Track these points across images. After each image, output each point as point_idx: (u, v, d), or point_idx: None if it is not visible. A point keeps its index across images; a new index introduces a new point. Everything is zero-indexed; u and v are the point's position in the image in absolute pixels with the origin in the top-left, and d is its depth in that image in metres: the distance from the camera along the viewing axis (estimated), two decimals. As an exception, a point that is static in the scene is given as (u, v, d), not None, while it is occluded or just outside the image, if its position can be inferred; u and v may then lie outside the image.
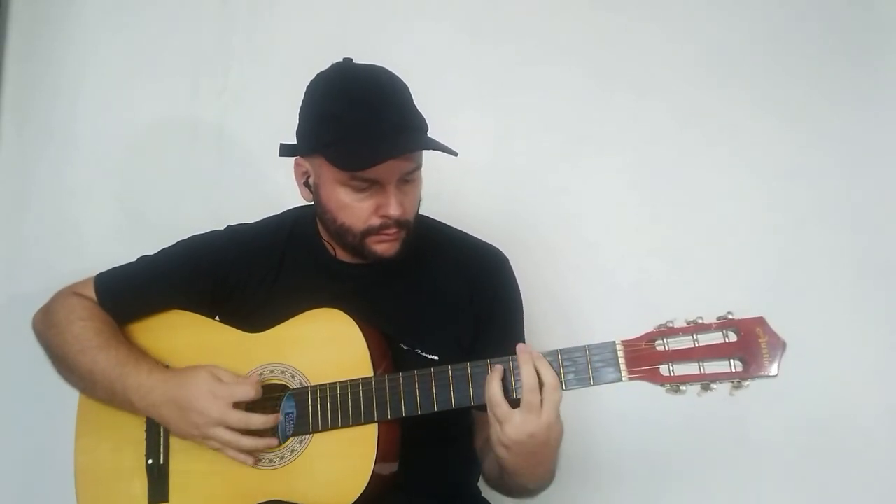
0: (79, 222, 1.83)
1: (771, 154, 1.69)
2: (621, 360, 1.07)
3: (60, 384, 1.34)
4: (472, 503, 1.36)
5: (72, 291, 1.36)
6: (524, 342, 1.18)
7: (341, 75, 1.22)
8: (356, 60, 1.25)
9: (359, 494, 1.13)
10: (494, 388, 1.09)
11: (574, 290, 1.72)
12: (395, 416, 1.16)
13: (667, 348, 1.06)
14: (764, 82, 1.70)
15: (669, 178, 1.72)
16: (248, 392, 1.19)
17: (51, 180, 1.85)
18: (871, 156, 1.67)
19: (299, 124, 1.26)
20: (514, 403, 1.08)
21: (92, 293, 1.34)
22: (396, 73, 1.23)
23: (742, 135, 1.70)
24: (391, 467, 1.19)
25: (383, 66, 1.23)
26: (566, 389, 1.08)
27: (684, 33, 1.74)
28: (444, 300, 1.31)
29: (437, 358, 1.24)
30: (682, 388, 1.05)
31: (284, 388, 1.25)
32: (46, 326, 1.34)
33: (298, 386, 1.23)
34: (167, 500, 1.26)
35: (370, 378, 1.18)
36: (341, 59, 1.25)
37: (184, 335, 1.33)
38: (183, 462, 1.26)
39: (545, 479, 1.20)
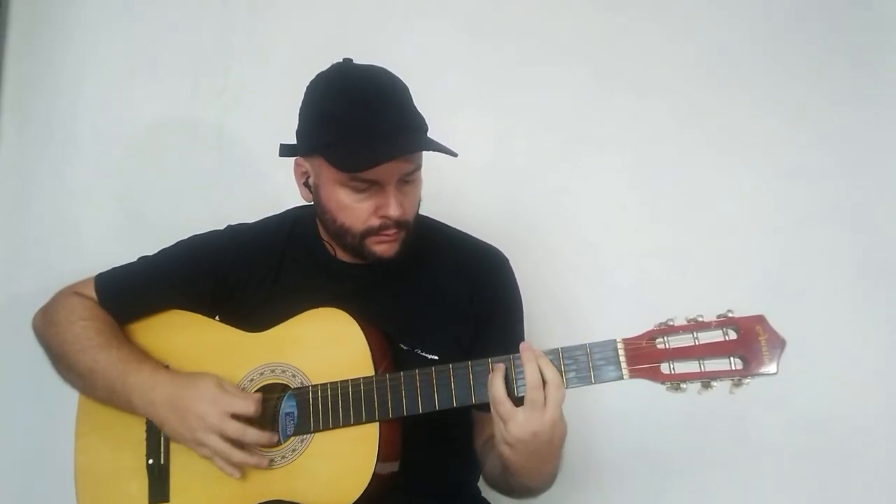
0: (79, 222, 1.83)
1: (771, 154, 1.69)
2: (622, 358, 1.07)
3: (60, 384, 1.34)
4: (472, 503, 1.36)
5: (72, 291, 1.36)
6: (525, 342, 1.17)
7: (341, 76, 1.22)
8: (356, 60, 1.25)
9: (360, 494, 1.13)
10: (498, 386, 1.09)
11: (574, 290, 1.72)
12: (397, 415, 1.16)
13: (667, 346, 1.06)
14: (764, 82, 1.71)
15: (669, 178, 1.72)
16: (248, 407, 1.18)
17: (51, 180, 1.85)
18: (871, 156, 1.67)
19: (299, 125, 1.26)
20: (517, 402, 1.08)
21: (92, 293, 1.34)
22: (396, 73, 1.23)
23: (742, 135, 1.70)
24: (392, 467, 1.19)
25: (383, 66, 1.23)
26: (567, 388, 1.08)
27: (684, 33, 1.74)
28: (444, 300, 1.31)
29: (436, 358, 1.24)
30: (683, 385, 1.05)
31: (285, 387, 1.25)
32: (46, 326, 1.34)
33: (299, 385, 1.23)
34: (168, 500, 1.26)
35: (371, 377, 1.18)
36: (341, 60, 1.25)
37: (184, 335, 1.33)
38: (184, 462, 1.26)
39: (548, 479, 1.19)
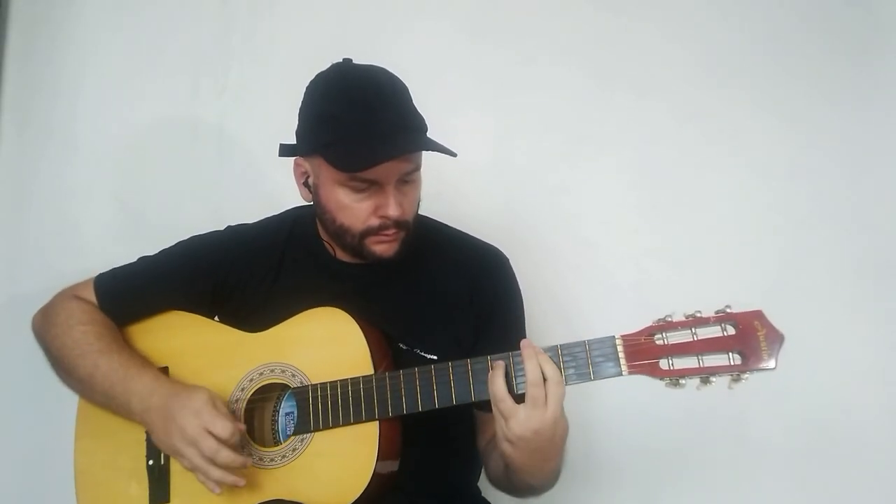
0: (79, 222, 1.83)
1: (771, 154, 1.69)
2: (621, 355, 1.08)
3: (61, 385, 1.34)
4: (473, 503, 1.36)
5: (71, 294, 1.36)
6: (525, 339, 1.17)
7: (341, 76, 1.22)
8: (356, 60, 1.25)
9: (360, 493, 1.13)
10: (499, 384, 1.09)
11: (574, 290, 1.72)
12: (396, 414, 1.16)
13: (666, 342, 1.07)
14: (764, 82, 1.70)
15: (669, 178, 1.72)
16: (224, 431, 1.14)
17: (51, 180, 1.85)
18: (871, 156, 1.67)
19: (298, 124, 1.26)
20: (517, 399, 1.08)
21: (91, 295, 1.34)
22: (396, 73, 1.23)
23: (742, 135, 1.70)
24: (392, 466, 1.19)
25: (383, 66, 1.23)
26: (567, 385, 1.09)
27: (684, 33, 1.74)
28: (444, 300, 1.31)
29: (436, 358, 1.24)
30: (682, 381, 1.05)
31: (285, 387, 1.25)
32: (46, 329, 1.34)
33: (299, 385, 1.22)
34: (168, 501, 1.26)
35: (371, 376, 1.18)
36: (341, 60, 1.25)
37: (184, 335, 1.33)
38: (184, 462, 1.26)
39: (551, 477, 1.19)
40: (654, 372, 1.06)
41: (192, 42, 1.86)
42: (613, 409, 1.64)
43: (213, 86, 1.85)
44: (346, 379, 1.19)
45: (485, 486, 1.38)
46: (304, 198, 1.29)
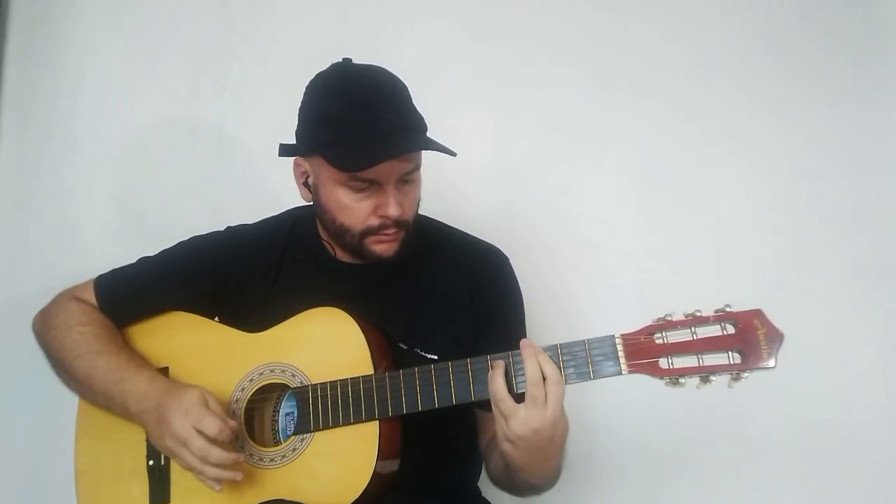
0: (79, 222, 1.83)
1: (771, 154, 1.69)
2: (620, 354, 1.08)
3: (61, 385, 1.34)
4: (473, 503, 1.36)
5: (71, 295, 1.36)
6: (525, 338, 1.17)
7: (340, 76, 1.22)
8: (356, 60, 1.25)
9: (360, 492, 1.13)
10: (499, 383, 1.09)
11: (574, 290, 1.72)
12: (396, 413, 1.16)
13: (665, 341, 1.07)
14: (764, 82, 1.70)
15: (669, 178, 1.72)
16: (213, 427, 1.13)
17: (51, 180, 1.85)
18: (871, 156, 1.67)
19: (298, 124, 1.26)
20: (517, 399, 1.08)
21: (91, 296, 1.34)
22: (396, 73, 1.23)
23: (742, 135, 1.70)
24: (392, 465, 1.19)
25: (383, 66, 1.23)
26: (566, 384, 1.09)
27: (684, 33, 1.74)
28: (444, 300, 1.31)
29: (436, 357, 1.24)
30: (682, 380, 1.06)
31: (285, 387, 1.25)
32: (45, 330, 1.34)
33: (299, 385, 1.22)
34: (168, 501, 1.26)
35: (370, 376, 1.18)
36: (340, 60, 1.25)
37: (184, 336, 1.33)
38: (183, 462, 1.26)
39: (551, 476, 1.19)
40: (654, 371, 1.06)
41: (192, 42, 1.86)
42: (613, 408, 1.64)
43: (213, 86, 1.85)
44: (346, 379, 1.19)
45: (485, 486, 1.38)
46: (303, 198, 1.29)
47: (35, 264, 1.81)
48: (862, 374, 1.61)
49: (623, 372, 1.08)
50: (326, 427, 1.19)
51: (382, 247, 1.23)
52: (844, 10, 1.69)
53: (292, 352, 1.25)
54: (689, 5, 1.74)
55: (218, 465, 1.14)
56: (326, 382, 1.20)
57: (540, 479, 1.19)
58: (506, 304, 1.34)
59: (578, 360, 1.09)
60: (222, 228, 1.41)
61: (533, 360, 1.08)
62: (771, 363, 1.03)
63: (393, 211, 1.19)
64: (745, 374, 1.04)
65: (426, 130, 1.22)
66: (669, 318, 1.07)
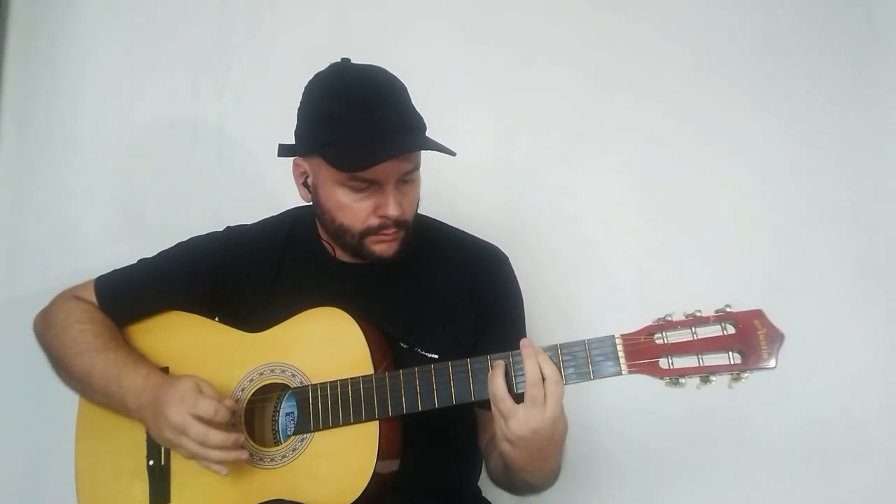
0: (79, 222, 1.83)
1: (771, 154, 1.69)
2: (620, 354, 1.08)
3: (61, 385, 1.34)
4: (473, 503, 1.36)
5: (72, 294, 1.36)
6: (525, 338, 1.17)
7: (339, 76, 1.22)
8: (357, 60, 1.25)
9: (360, 492, 1.13)
10: (498, 383, 1.09)
11: (574, 290, 1.72)
12: (396, 413, 1.16)
13: (666, 341, 1.07)
14: (764, 82, 1.70)
15: (669, 178, 1.72)
16: (208, 409, 1.13)
17: (51, 180, 1.85)
18: (871, 156, 1.67)
19: (297, 125, 1.26)
20: (517, 399, 1.08)
21: (92, 296, 1.35)
22: (396, 73, 1.23)
23: (742, 135, 1.70)
24: (392, 465, 1.19)
25: (382, 66, 1.23)
26: (566, 384, 1.09)
27: (684, 34, 1.74)
28: (444, 299, 1.31)
29: (436, 357, 1.24)
30: (682, 380, 1.05)
31: (285, 387, 1.25)
32: (45, 329, 1.34)
33: (299, 385, 1.22)
34: (168, 501, 1.26)
35: (370, 376, 1.18)
36: (339, 60, 1.25)
37: (184, 336, 1.33)
38: (184, 462, 1.26)
39: (551, 475, 1.20)
40: (654, 371, 1.06)
41: (192, 42, 1.86)
42: (613, 408, 1.64)
43: (213, 86, 1.85)
44: (346, 379, 1.19)
45: (485, 486, 1.38)
46: (303, 198, 1.29)
47: (35, 264, 1.81)
48: (862, 374, 1.61)
49: (623, 372, 1.08)
50: (326, 427, 1.19)
51: (382, 247, 1.23)
52: (844, 10, 1.69)
53: (292, 352, 1.25)
54: (689, 5, 1.74)
55: (219, 447, 1.14)
56: (326, 382, 1.20)
57: (539, 479, 1.19)
58: (506, 304, 1.34)
59: (578, 360, 1.09)
60: (222, 228, 1.41)
61: (533, 360, 1.08)
62: (771, 363, 1.03)
63: (392, 211, 1.19)
64: (746, 375, 1.04)
65: (425, 130, 1.22)
66: (669, 319, 1.07)
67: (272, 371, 1.25)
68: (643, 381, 1.07)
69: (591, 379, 1.09)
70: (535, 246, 1.69)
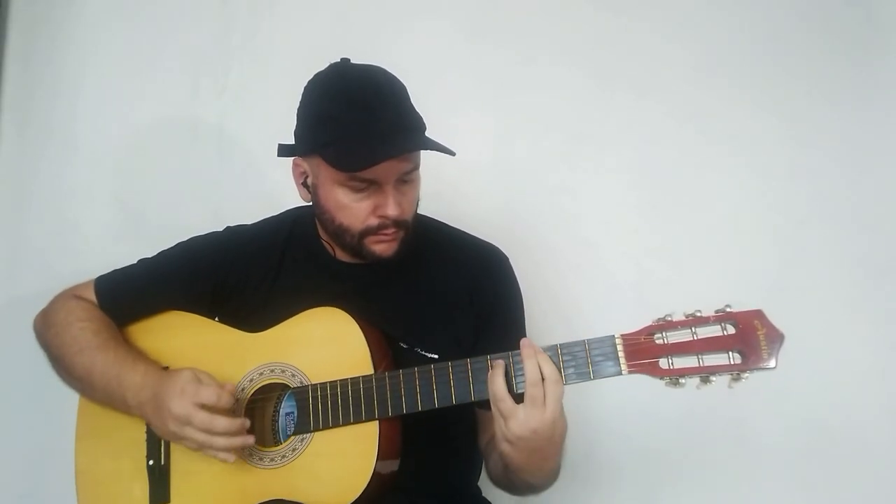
0: (79, 222, 1.83)
1: (771, 154, 1.69)
2: (620, 354, 1.08)
3: (61, 385, 1.34)
4: (473, 503, 1.36)
5: (72, 294, 1.36)
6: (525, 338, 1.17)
7: (339, 76, 1.22)
8: (357, 60, 1.25)
9: (360, 492, 1.13)
10: (499, 383, 1.09)
11: (574, 290, 1.72)
12: (396, 413, 1.16)
13: (666, 342, 1.07)
14: (764, 82, 1.70)
15: (669, 178, 1.72)
16: (211, 396, 1.15)
17: (51, 180, 1.85)
18: (871, 156, 1.67)
19: (297, 125, 1.26)
20: (517, 399, 1.08)
21: (92, 296, 1.35)
22: (396, 73, 1.23)
23: (742, 135, 1.70)
24: (392, 465, 1.19)
25: (383, 66, 1.23)
26: (566, 384, 1.09)
27: (684, 34, 1.74)
28: (444, 299, 1.31)
29: (436, 357, 1.24)
30: (682, 380, 1.05)
31: (285, 387, 1.25)
32: (46, 327, 1.34)
33: (299, 385, 1.22)
34: (168, 501, 1.26)
35: (370, 376, 1.18)
36: (339, 60, 1.25)
37: (184, 336, 1.33)
38: (184, 462, 1.26)
39: (550, 475, 1.20)
40: (654, 371, 1.06)
41: (192, 42, 1.86)
42: (613, 408, 1.64)
43: (213, 86, 1.85)
44: (346, 379, 1.19)
45: (485, 486, 1.38)
46: (302, 198, 1.29)
47: (35, 264, 1.81)
48: (862, 374, 1.61)
49: (623, 372, 1.08)
50: (326, 427, 1.19)
51: (382, 247, 1.23)
52: (844, 10, 1.69)
53: (292, 352, 1.25)
54: (689, 5, 1.74)
55: (225, 433, 1.15)
56: (326, 382, 1.20)
57: (538, 479, 1.19)
58: (506, 304, 1.34)
59: (578, 360, 1.09)
60: (222, 228, 1.41)
61: (532, 360, 1.08)
62: (771, 364, 1.03)
63: (392, 211, 1.19)
64: (746, 375, 1.04)
65: (425, 130, 1.22)
66: (669, 319, 1.07)
67: (272, 371, 1.25)
68: (643, 381, 1.07)
69: (591, 379, 1.09)
70: (535, 246, 1.69)
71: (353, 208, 1.20)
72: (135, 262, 1.39)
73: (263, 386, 1.25)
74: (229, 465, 1.20)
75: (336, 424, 1.18)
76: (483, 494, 1.39)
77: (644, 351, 1.07)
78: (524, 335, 1.30)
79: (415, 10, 1.81)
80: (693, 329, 1.06)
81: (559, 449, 1.14)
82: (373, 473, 1.14)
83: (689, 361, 1.05)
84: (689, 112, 1.72)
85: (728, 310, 1.06)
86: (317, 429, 1.20)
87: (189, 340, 1.32)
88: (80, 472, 1.33)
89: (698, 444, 1.64)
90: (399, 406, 1.16)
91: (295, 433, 1.22)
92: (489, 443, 1.31)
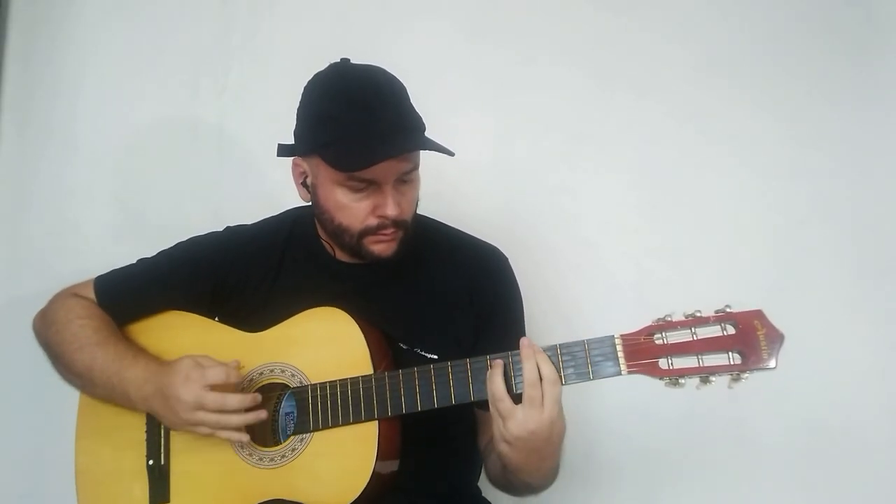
0: (79, 222, 1.83)
1: (771, 154, 1.69)
2: (620, 354, 1.08)
3: (61, 385, 1.34)
4: (473, 503, 1.36)
5: (71, 292, 1.37)
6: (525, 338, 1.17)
7: (338, 76, 1.22)
8: (356, 60, 1.25)
9: (360, 492, 1.13)
10: (497, 384, 1.09)
11: (574, 290, 1.72)
12: (396, 413, 1.16)
13: (665, 342, 1.06)
14: (764, 82, 1.70)
15: (669, 178, 1.72)
16: (219, 374, 1.16)
17: (51, 180, 1.85)
18: (871, 156, 1.67)
19: (296, 125, 1.26)
20: (516, 399, 1.08)
21: (91, 295, 1.35)
22: (396, 73, 1.23)
23: (742, 135, 1.70)
24: (392, 465, 1.19)
25: (383, 66, 1.23)
26: (566, 384, 1.09)
27: (684, 34, 1.74)
28: (444, 300, 1.31)
29: (436, 357, 1.23)
30: (682, 381, 1.05)
31: (285, 387, 1.25)
32: (45, 325, 1.34)
33: (299, 385, 1.23)
34: (168, 501, 1.26)
35: (370, 376, 1.18)
36: (339, 60, 1.25)
37: (183, 336, 1.33)
38: (184, 462, 1.26)
39: (549, 476, 1.20)
40: (654, 371, 1.06)
41: (192, 42, 1.86)
42: (613, 408, 1.64)
43: (213, 86, 1.85)
44: (346, 379, 1.19)
45: (485, 486, 1.38)
46: (302, 198, 1.29)
47: (35, 264, 1.81)
48: (862, 374, 1.61)
49: (623, 372, 1.08)
50: (326, 427, 1.19)
51: (381, 247, 1.23)
52: (844, 10, 1.69)
53: (292, 352, 1.25)
54: (689, 5, 1.74)
55: (238, 410, 1.16)
56: (326, 382, 1.20)
57: (537, 480, 1.19)
58: (505, 304, 1.34)
59: (578, 360, 1.09)
60: (222, 228, 1.41)
61: (531, 360, 1.08)
62: (771, 364, 1.03)
63: (391, 211, 1.19)
64: (746, 375, 1.04)
65: (424, 130, 1.22)
66: (669, 319, 1.07)
67: (272, 371, 1.25)
68: (643, 381, 1.07)
69: (590, 379, 1.09)
70: (535, 246, 1.69)
71: (352, 208, 1.20)
72: (135, 261, 1.39)
73: (263, 386, 1.25)
74: (229, 464, 1.20)
75: (336, 424, 1.18)
76: (483, 495, 1.38)
77: (644, 351, 1.07)
78: (524, 335, 1.30)
79: (415, 10, 1.81)
80: (693, 329, 1.06)
81: (557, 449, 1.14)
82: (372, 473, 1.14)
83: (688, 362, 1.05)
84: (689, 112, 1.72)
85: (728, 310, 1.06)
86: (316, 429, 1.20)
87: (189, 340, 1.31)
88: (80, 472, 1.33)
89: (698, 444, 1.64)
90: (398, 406, 1.16)
91: (294, 433, 1.22)
92: (489, 443, 1.31)
